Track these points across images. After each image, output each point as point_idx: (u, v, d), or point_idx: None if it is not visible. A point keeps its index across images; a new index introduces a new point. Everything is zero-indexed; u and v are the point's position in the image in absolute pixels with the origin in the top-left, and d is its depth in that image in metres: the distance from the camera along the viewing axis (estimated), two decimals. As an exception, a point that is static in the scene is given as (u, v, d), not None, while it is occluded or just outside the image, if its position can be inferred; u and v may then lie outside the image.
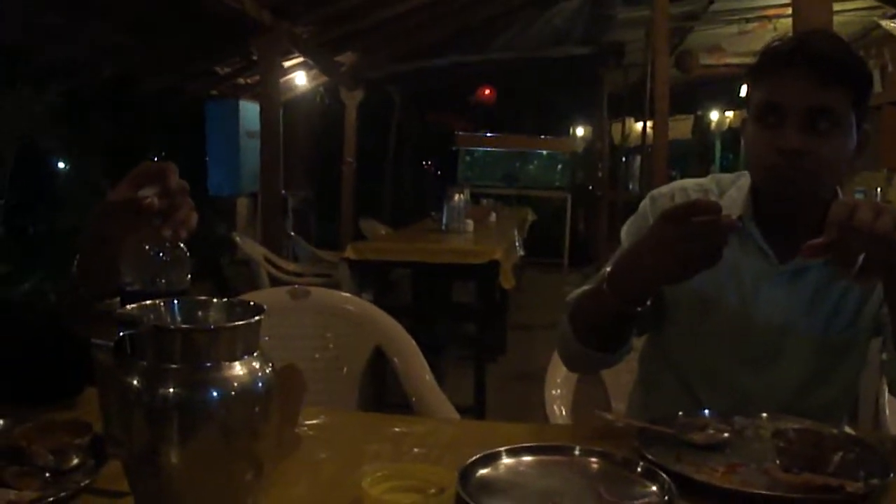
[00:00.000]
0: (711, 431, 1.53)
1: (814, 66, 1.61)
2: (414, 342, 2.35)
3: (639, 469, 1.35)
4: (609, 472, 1.37)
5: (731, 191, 1.84)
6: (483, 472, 1.35)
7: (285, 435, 1.38)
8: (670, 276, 1.57)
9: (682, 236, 1.48)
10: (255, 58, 7.59)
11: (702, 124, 14.86)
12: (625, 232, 1.90)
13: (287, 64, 8.52)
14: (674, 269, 1.53)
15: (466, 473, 1.30)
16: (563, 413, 2.14)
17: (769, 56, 1.70)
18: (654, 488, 1.30)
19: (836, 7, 6.15)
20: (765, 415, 1.62)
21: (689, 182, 1.93)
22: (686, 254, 1.50)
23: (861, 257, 1.39)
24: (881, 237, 1.36)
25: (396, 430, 1.64)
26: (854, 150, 1.69)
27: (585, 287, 1.78)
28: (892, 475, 1.35)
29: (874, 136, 1.91)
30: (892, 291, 1.53)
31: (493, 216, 7.70)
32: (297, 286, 2.53)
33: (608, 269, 1.67)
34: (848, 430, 1.65)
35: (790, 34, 1.79)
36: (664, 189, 1.94)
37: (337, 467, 1.43)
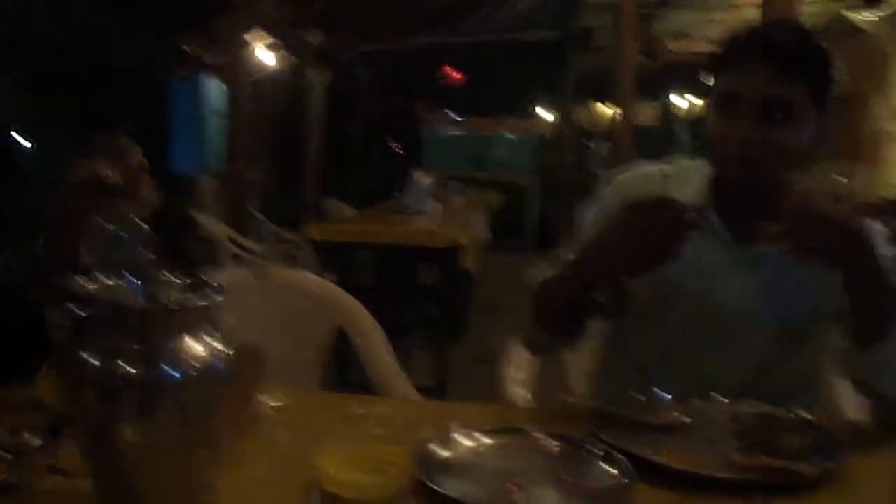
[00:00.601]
0: (669, 414, 1.55)
1: (773, 57, 1.63)
2: (376, 323, 2.35)
3: (597, 451, 1.37)
4: (568, 453, 1.38)
5: (693, 176, 1.85)
6: (441, 452, 1.36)
7: (243, 414, 1.38)
8: (629, 269, 1.62)
9: (645, 230, 1.52)
10: (222, 36, 7.52)
11: (669, 111, 14.91)
12: (583, 215, 1.91)
13: (254, 43, 8.45)
14: (633, 261, 1.58)
15: (424, 454, 1.31)
16: (524, 395, 2.16)
17: (730, 46, 1.72)
18: (613, 469, 1.31)
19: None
20: (722, 399, 1.64)
21: (650, 167, 1.95)
22: (647, 248, 1.53)
23: (818, 244, 1.42)
24: (838, 224, 1.38)
25: (356, 410, 1.65)
26: (814, 141, 1.71)
27: (551, 273, 1.79)
28: (846, 458, 1.37)
29: (839, 126, 1.93)
30: (850, 279, 1.56)
31: (460, 199, 7.69)
32: (259, 266, 2.53)
33: (572, 256, 1.69)
34: (804, 414, 1.67)
35: (756, 23, 1.80)
36: (625, 174, 1.95)
37: (295, 447, 1.43)
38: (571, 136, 13.46)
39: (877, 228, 1.75)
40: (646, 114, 12.89)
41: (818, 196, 1.47)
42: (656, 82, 12.89)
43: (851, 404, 1.93)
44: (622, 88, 7.26)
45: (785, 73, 1.63)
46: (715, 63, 1.74)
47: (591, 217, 1.90)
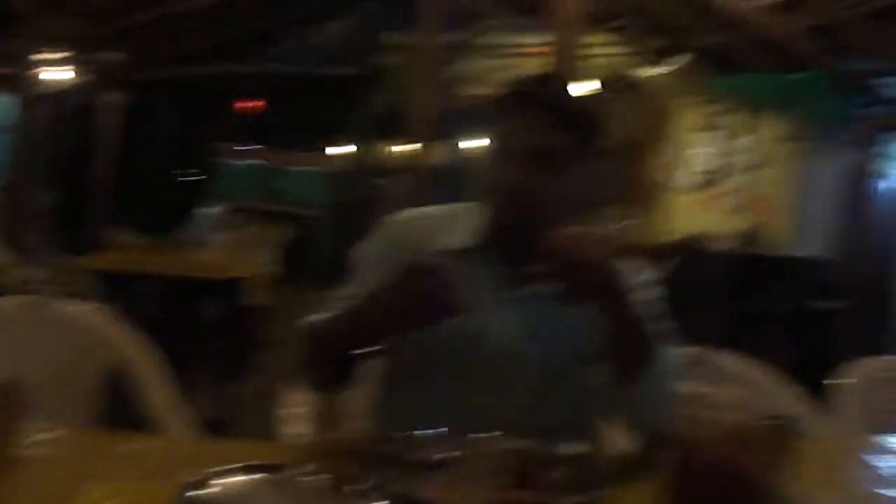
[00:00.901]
0: (438, 449, 1.58)
1: (541, 108, 1.73)
2: (155, 357, 2.31)
3: (363, 486, 1.39)
4: (335, 489, 1.40)
5: (467, 220, 1.90)
6: (207, 490, 1.35)
7: (4, 453, 1.34)
8: (404, 327, 1.69)
9: (418, 295, 1.59)
10: (12, 48, 7.20)
11: (462, 152, 15.20)
12: (358, 255, 1.96)
13: (47, 57, 8.13)
14: (408, 322, 1.65)
15: (189, 491, 1.31)
16: (301, 431, 2.16)
17: (503, 96, 1.81)
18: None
19: (594, 51, 6.52)
20: (492, 434, 1.69)
21: (424, 210, 2.01)
22: (420, 310, 1.61)
23: (576, 286, 1.52)
24: (592, 266, 1.49)
25: (129, 447, 1.61)
26: (586, 188, 1.80)
27: (327, 314, 1.82)
28: (606, 491, 1.45)
29: (623, 175, 2.05)
30: (609, 317, 1.65)
31: (250, 230, 7.63)
32: (35, 295, 2.44)
33: (353, 304, 1.73)
34: (570, 448, 1.75)
35: (528, 75, 1.90)
36: (402, 216, 2.01)
37: (60, 487, 1.38)
38: (365, 172, 13.58)
39: (641, 272, 1.87)
40: (439, 154, 13.15)
41: (580, 239, 1.56)
42: (452, 123, 13.16)
43: (617, 439, 2.03)
44: (416, 129, 7.42)
45: (553, 124, 1.73)
46: (491, 111, 1.83)
47: (361, 258, 1.95)
